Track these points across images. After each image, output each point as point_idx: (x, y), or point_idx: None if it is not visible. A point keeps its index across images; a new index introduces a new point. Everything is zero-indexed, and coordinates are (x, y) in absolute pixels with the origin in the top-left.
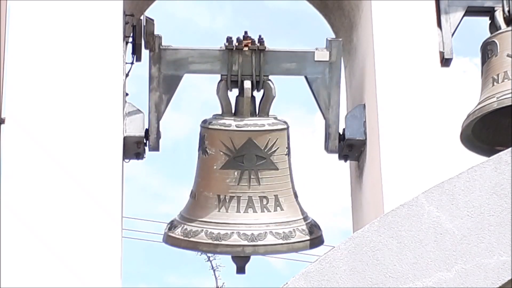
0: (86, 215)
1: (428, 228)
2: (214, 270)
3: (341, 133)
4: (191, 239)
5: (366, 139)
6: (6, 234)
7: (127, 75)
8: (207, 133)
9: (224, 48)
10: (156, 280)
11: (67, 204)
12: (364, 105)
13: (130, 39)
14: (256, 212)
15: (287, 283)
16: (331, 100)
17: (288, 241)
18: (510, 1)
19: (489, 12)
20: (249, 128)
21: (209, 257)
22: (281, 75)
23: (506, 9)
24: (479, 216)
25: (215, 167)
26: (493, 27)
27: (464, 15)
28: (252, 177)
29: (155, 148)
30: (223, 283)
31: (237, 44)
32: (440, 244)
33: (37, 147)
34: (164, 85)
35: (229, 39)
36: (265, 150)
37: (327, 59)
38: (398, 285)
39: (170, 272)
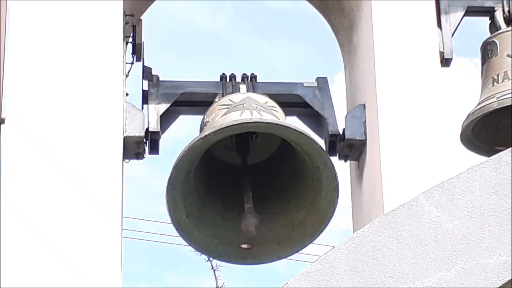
0: (86, 215)
1: (428, 228)
2: (214, 270)
3: (341, 133)
4: (196, 139)
5: (366, 139)
6: (6, 234)
7: (127, 75)
8: (206, 113)
9: (218, 80)
10: (156, 280)
11: (67, 204)
12: (364, 105)
13: (130, 39)
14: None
15: (287, 283)
16: (325, 105)
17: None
18: (510, 1)
19: (489, 12)
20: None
21: (209, 258)
22: (275, 94)
23: (506, 9)
24: (479, 216)
25: (216, 119)
26: (493, 27)
27: (464, 15)
28: (254, 113)
29: (155, 150)
30: (223, 283)
31: (230, 75)
32: (440, 244)
33: (37, 147)
34: (163, 97)
35: (222, 74)
36: (265, 105)
37: (316, 85)
38: (398, 285)
39: (170, 272)
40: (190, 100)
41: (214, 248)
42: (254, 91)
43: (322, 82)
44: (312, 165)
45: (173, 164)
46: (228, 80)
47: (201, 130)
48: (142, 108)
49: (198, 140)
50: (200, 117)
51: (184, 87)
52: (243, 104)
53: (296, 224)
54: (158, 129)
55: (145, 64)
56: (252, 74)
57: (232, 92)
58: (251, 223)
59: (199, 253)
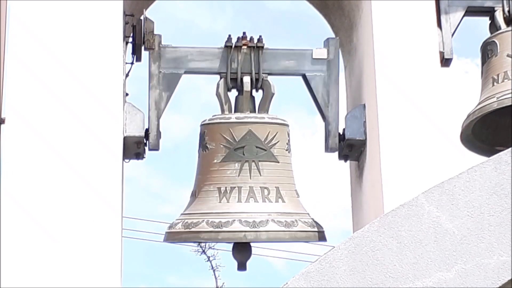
0: (86, 215)
1: (428, 228)
2: (214, 270)
3: (341, 133)
4: (192, 229)
5: (366, 139)
6: (6, 233)
7: (127, 75)
8: (207, 129)
9: (223, 47)
10: (156, 280)
11: (67, 204)
12: (364, 105)
13: (130, 39)
14: (258, 202)
15: (287, 283)
16: (330, 98)
17: (291, 229)
18: (510, 1)
19: (489, 12)
20: (249, 120)
21: (209, 257)
22: (280, 73)
23: (506, 9)
24: (479, 216)
25: (215, 160)
26: (493, 27)
27: (464, 15)
28: (253, 168)
29: (155, 146)
30: (223, 283)
31: (235, 42)
32: (440, 244)
33: (37, 147)
34: (164, 83)
35: (228, 38)
36: (266, 142)
37: (325, 57)
38: (398, 285)
39: (171, 272)
40: (193, 73)
41: None
42: (259, 64)
43: (333, 48)
44: None
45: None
46: (233, 46)
47: (200, 144)
48: (133, 59)
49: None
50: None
51: (187, 60)
52: (244, 147)
53: None
54: (158, 145)
55: (147, 17)
56: (260, 39)
57: (236, 72)
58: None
59: (199, 253)
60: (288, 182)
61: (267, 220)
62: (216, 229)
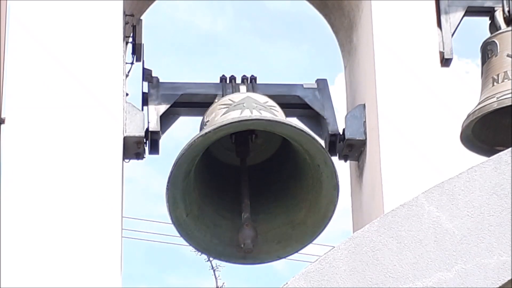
0: (86, 215)
1: (428, 228)
2: (214, 270)
3: (341, 133)
4: (196, 136)
5: (366, 139)
6: (6, 234)
7: (127, 75)
8: (206, 112)
9: (218, 82)
10: (156, 281)
11: (67, 204)
12: (364, 105)
13: (130, 39)
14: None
15: (287, 283)
16: (325, 106)
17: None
18: (510, 1)
19: (489, 12)
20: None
21: (209, 257)
22: (275, 95)
23: (506, 9)
24: (479, 216)
25: (216, 118)
26: (493, 27)
27: (464, 15)
28: (254, 112)
29: (155, 149)
30: (223, 283)
31: (230, 77)
32: (440, 244)
33: (37, 147)
34: (163, 98)
35: (222, 76)
36: (265, 104)
37: (316, 86)
38: (398, 285)
39: (171, 272)
40: (190, 101)
41: (214, 248)
42: (254, 92)
43: (322, 84)
44: (312, 164)
45: (173, 162)
46: (228, 81)
47: (201, 129)
48: (142, 109)
49: (198, 137)
50: (200, 119)
51: (184, 88)
52: (243, 103)
53: (296, 224)
54: (158, 129)
55: (145, 67)
56: (252, 76)
57: (232, 92)
58: (248, 236)
59: (199, 253)
60: None
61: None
62: (219, 122)
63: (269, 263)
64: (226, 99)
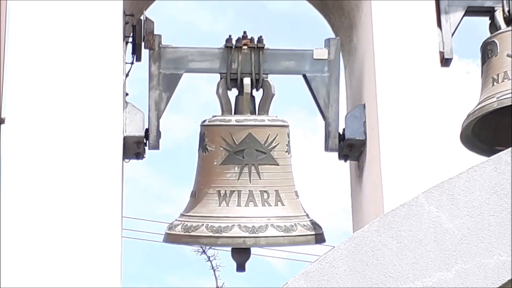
0: (86, 215)
1: (428, 228)
2: (214, 270)
3: (341, 133)
4: (192, 233)
5: (366, 139)
6: (6, 234)
7: (127, 75)
8: (207, 130)
9: (223, 47)
10: (156, 281)
11: (67, 204)
12: (364, 105)
13: (130, 39)
14: (257, 206)
15: (287, 283)
16: (330, 98)
17: (290, 234)
18: (510, 1)
19: (489, 12)
20: (249, 123)
21: (209, 257)
22: (280, 73)
23: (506, 9)
24: (479, 216)
25: (215, 163)
26: (493, 27)
27: (464, 15)
28: (252, 171)
29: (155, 146)
30: (223, 283)
31: (236, 42)
32: (440, 244)
33: (37, 147)
34: (164, 83)
35: (228, 38)
36: (265, 145)
37: (326, 57)
38: (398, 285)
39: (171, 272)
40: (193, 72)
41: None
42: (260, 65)
43: (333, 48)
44: None
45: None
46: (234, 42)
47: (200, 145)
48: (133, 60)
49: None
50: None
51: (187, 61)
52: (243, 150)
53: None
54: (157, 145)
55: (147, 17)
56: (260, 38)
57: (237, 73)
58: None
59: (199, 253)
60: (287, 184)
61: (266, 225)
62: (216, 234)
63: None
64: (228, 133)
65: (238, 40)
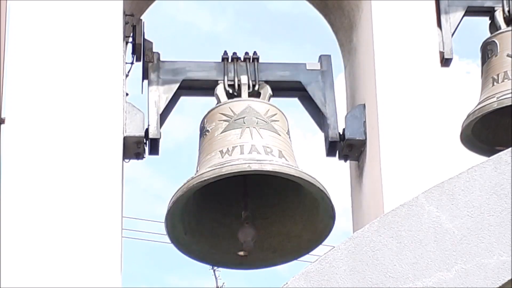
0: (86, 215)
1: (428, 228)
2: (214, 270)
3: (340, 133)
4: (195, 181)
5: (366, 139)
6: (6, 234)
7: (127, 75)
8: (206, 117)
9: (220, 60)
10: (156, 281)
11: (67, 204)
12: (364, 105)
13: (130, 39)
14: (261, 154)
15: (287, 283)
16: (327, 99)
17: (296, 167)
18: (510, 1)
19: (489, 12)
20: (248, 98)
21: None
22: (276, 80)
23: (506, 9)
24: (479, 216)
25: (216, 134)
26: (493, 27)
27: (464, 15)
28: (254, 132)
29: (155, 151)
30: (223, 283)
31: (232, 55)
32: (440, 244)
33: (37, 147)
34: (163, 87)
35: (224, 53)
36: (266, 116)
37: (319, 68)
38: (398, 285)
39: (171, 272)
40: (192, 85)
41: (212, 256)
42: (256, 77)
43: (326, 63)
44: (310, 195)
45: (171, 199)
46: (230, 60)
47: (200, 135)
48: (143, 81)
49: (196, 183)
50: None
51: (185, 71)
52: (244, 117)
53: (292, 236)
54: (158, 135)
55: (145, 38)
56: (255, 53)
57: (234, 79)
58: (248, 234)
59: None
60: (290, 151)
61: (272, 159)
62: (219, 167)
63: (264, 268)
64: (227, 108)
65: (233, 54)
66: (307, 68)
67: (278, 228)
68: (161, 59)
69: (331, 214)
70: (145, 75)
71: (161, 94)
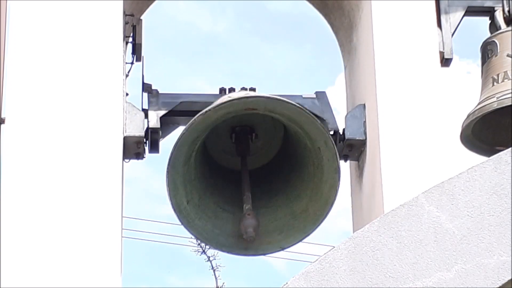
0: (86, 215)
1: (428, 228)
2: (214, 270)
3: (340, 133)
4: (196, 116)
5: (366, 139)
6: (6, 234)
7: (127, 75)
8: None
9: (217, 93)
10: (156, 281)
11: (67, 204)
12: (364, 105)
13: (130, 39)
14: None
15: (287, 283)
16: (325, 111)
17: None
18: (510, 1)
19: (489, 12)
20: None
21: (209, 257)
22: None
23: (506, 9)
24: (479, 216)
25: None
26: (493, 27)
27: (464, 15)
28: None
29: (155, 150)
30: (223, 283)
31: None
32: (440, 244)
33: (37, 147)
34: (163, 105)
35: (221, 88)
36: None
37: (315, 97)
38: (398, 285)
39: (171, 272)
40: (190, 109)
41: (216, 237)
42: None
43: (321, 96)
44: (313, 148)
45: (174, 144)
46: (227, 92)
47: None
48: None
49: (198, 116)
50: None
51: (183, 97)
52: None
53: (298, 213)
54: (158, 126)
55: (144, 82)
56: (251, 87)
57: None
58: (250, 224)
59: (199, 253)
60: None
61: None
62: (212, 107)
63: (272, 253)
64: (225, 96)
65: (231, 88)
66: (304, 97)
67: (283, 211)
68: (160, 92)
69: (336, 165)
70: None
71: (160, 109)
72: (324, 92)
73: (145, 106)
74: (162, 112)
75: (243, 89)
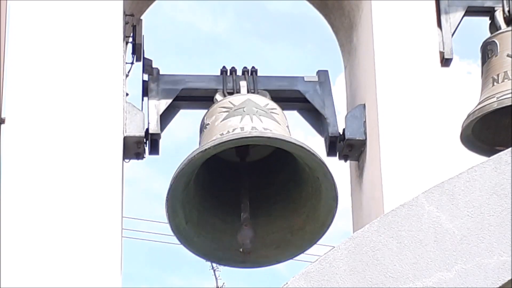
0: (86, 215)
1: (428, 228)
2: (214, 270)
3: (341, 133)
4: (195, 152)
5: (366, 139)
6: (6, 234)
7: (127, 75)
8: (206, 114)
9: (218, 74)
10: (157, 281)
11: (67, 204)
12: (364, 105)
13: (130, 39)
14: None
15: (287, 283)
16: (326, 103)
17: (298, 140)
18: (510, 1)
19: (489, 12)
20: (248, 94)
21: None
22: (275, 89)
23: (506, 9)
24: (479, 216)
25: (216, 124)
26: (493, 27)
27: (464, 15)
28: (254, 119)
29: (155, 151)
30: (223, 283)
31: (230, 68)
32: (440, 244)
33: (37, 147)
34: (163, 94)
35: (223, 67)
36: (265, 107)
37: (316, 80)
38: (398, 285)
39: (171, 272)
40: (191, 95)
41: (214, 252)
42: (254, 85)
43: (323, 76)
44: (311, 174)
45: (172, 175)
46: (228, 74)
47: (201, 131)
48: (143, 100)
49: (198, 153)
50: (200, 112)
51: (184, 82)
52: (243, 107)
53: (295, 229)
54: (158, 131)
55: (145, 56)
56: (253, 67)
57: (233, 87)
58: (247, 235)
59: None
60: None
61: (273, 131)
62: (219, 137)
63: (268, 266)
64: (226, 101)
65: (232, 68)
66: (305, 80)
67: (281, 223)
68: (161, 72)
69: (334, 194)
70: (145, 92)
71: (161, 99)
72: (326, 72)
73: (145, 83)
74: (162, 108)
75: (245, 69)
